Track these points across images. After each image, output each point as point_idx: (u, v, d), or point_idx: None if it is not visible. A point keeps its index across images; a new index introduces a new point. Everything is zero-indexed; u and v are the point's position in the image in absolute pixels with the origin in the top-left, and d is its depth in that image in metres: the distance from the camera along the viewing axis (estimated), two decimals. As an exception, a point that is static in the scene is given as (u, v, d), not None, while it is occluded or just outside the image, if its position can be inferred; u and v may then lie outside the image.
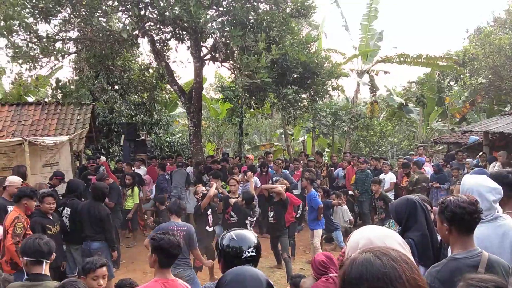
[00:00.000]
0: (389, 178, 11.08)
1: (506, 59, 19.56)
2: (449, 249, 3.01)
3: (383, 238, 1.77)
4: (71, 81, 12.28)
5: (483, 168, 7.90)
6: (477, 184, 3.08)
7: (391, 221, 5.77)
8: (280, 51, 9.86)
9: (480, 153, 12.35)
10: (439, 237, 3.41)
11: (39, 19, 9.70)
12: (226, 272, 2.51)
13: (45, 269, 3.44)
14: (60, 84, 10.91)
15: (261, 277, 2.58)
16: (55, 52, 9.56)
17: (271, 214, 8.28)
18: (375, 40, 22.57)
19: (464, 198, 2.62)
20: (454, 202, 2.60)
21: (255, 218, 8.03)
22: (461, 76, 23.78)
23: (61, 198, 7.87)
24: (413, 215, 3.37)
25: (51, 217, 6.30)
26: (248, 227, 7.59)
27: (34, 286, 3.29)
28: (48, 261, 3.46)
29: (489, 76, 20.42)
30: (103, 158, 13.42)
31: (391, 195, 10.50)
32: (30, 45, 9.69)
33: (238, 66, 9.75)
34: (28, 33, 9.54)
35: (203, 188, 8.35)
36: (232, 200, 7.96)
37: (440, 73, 25.15)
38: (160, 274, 3.47)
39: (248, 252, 2.72)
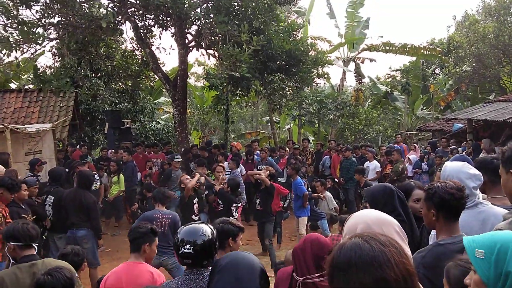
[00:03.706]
0: (373, 166, 11.16)
1: (490, 48, 19.71)
2: (430, 236, 3.03)
3: (380, 223, 1.78)
4: (51, 68, 12.06)
5: (464, 155, 7.99)
6: (457, 171, 3.09)
7: None
8: (262, 42, 9.77)
9: (467, 141, 12.56)
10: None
11: (19, 5, 9.48)
12: (222, 257, 2.61)
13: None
14: (38, 72, 10.72)
15: (255, 265, 2.59)
16: (34, 38, 9.34)
17: (258, 201, 8.31)
18: (361, 27, 22.54)
19: (451, 184, 2.61)
20: (442, 188, 2.58)
21: (239, 204, 8.04)
22: (446, 64, 23.95)
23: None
24: (390, 202, 3.35)
25: (23, 206, 6.12)
26: (234, 213, 7.59)
27: (34, 265, 3.38)
28: (37, 244, 3.58)
29: (474, 64, 20.57)
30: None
31: (375, 183, 10.57)
32: (10, 30, 9.48)
33: (220, 56, 9.68)
34: (8, 18, 9.32)
35: (187, 177, 8.30)
36: (217, 187, 7.95)
37: (425, 61, 25.29)
38: (130, 258, 3.73)
39: (184, 249, 2.76)
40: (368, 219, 1.80)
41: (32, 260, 3.42)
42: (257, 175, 8.45)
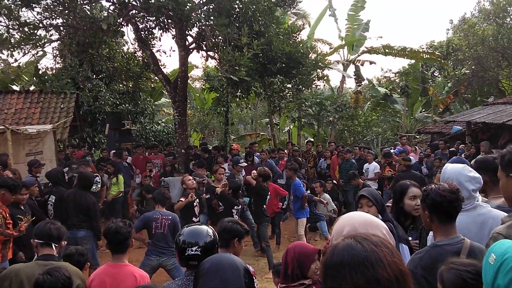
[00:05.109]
0: (373, 167, 11.20)
1: (489, 50, 19.72)
2: (428, 237, 3.06)
3: (367, 226, 1.80)
4: (53, 69, 12.11)
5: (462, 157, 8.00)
6: (457, 173, 3.07)
7: None
8: (262, 46, 9.80)
9: (466, 143, 12.60)
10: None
11: (21, 6, 9.53)
12: (205, 260, 2.61)
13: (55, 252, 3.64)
14: (39, 72, 10.77)
15: (239, 265, 2.65)
16: (36, 39, 9.38)
17: (250, 200, 8.39)
18: (361, 30, 22.58)
19: (445, 186, 2.61)
20: (434, 190, 2.60)
21: (240, 207, 8.05)
22: (445, 67, 23.99)
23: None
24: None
25: (22, 208, 6.04)
26: (234, 215, 7.60)
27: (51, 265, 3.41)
28: (58, 245, 3.63)
29: (473, 67, 20.60)
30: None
31: (373, 184, 10.58)
32: (12, 32, 9.51)
33: (220, 59, 9.71)
34: (10, 19, 9.36)
35: (190, 177, 8.29)
36: (218, 189, 7.96)
37: (424, 64, 25.32)
38: (112, 259, 3.68)
39: (192, 251, 2.75)
40: (354, 221, 1.83)
41: (51, 260, 3.49)
42: (248, 176, 8.53)
